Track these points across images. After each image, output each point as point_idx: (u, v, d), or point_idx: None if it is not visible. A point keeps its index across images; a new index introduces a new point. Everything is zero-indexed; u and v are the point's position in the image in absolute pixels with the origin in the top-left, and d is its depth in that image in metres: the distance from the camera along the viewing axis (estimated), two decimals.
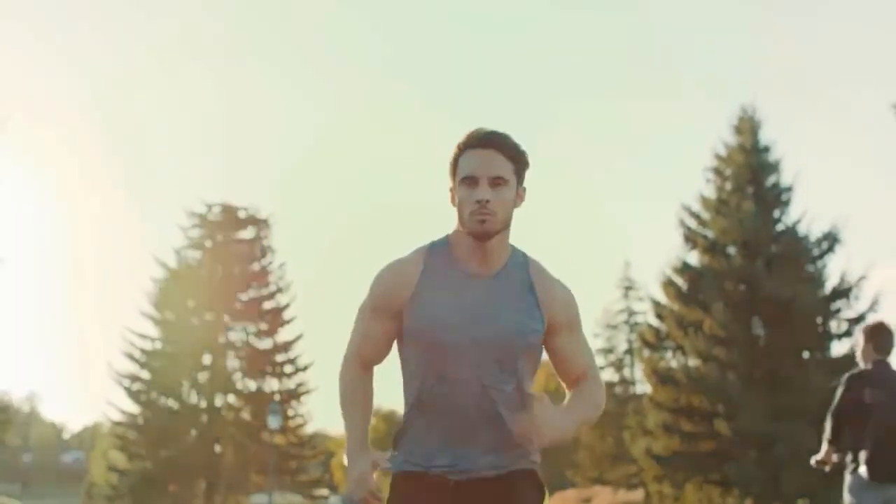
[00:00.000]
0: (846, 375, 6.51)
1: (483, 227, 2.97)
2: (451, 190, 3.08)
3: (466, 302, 3.00)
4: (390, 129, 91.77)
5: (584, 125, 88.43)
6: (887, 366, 6.39)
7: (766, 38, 76.63)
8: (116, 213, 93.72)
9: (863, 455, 6.24)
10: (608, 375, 43.75)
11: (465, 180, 3.00)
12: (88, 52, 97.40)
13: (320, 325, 73.23)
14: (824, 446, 6.49)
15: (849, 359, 28.47)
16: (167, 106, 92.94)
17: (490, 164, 2.98)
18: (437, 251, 3.09)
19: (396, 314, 3.06)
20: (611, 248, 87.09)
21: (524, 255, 3.13)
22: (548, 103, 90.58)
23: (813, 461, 6.66)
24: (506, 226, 3.03)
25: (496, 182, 2.98)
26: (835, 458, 6.48)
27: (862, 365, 6.49)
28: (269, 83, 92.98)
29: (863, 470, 6.25)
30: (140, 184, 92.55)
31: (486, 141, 3.01)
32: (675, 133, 77.76)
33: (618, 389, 42.83)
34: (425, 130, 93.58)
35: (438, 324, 2.98)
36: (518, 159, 3.03)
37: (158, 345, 36.65)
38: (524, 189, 3.08)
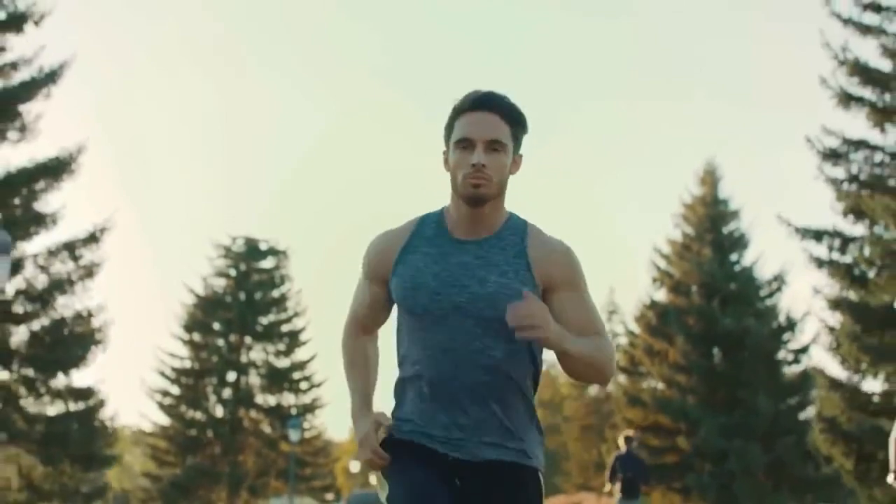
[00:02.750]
0: (614, 455, 14.55)
1: (477, 191, 2.96)
2: (445, 153, 3.06)
3: (451, 267, 3.01)
4: (393, 136, 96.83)
5: (585, 131, 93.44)
6: (631, 451, 14.56)
7: (767, 44, 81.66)
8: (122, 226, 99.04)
9: (618, 486, 14.04)
10: (593, 392, 50.21)
11: (459, 143, 2.98)
12: (88, 57, 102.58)
13: (332, 345, 79.26)
14: (608, 484, 14.23)
15: (794, 383, 34.77)
16: (166, 111, 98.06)
17: (487, 127, 2.97)
18: (429, 219, 3.13)
19: (384, 281, 3.14)
20: (612, 251, 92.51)
21: (524, 221, 3.11)
22: (551, 108, 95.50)
23: (605, 489, 14.50)
24: (500, 192, 3.02)
25: (492, 146, 2.97)
26: (614, 489, 13.80)
27: (622, 450, 14.40)
28: (268, 90, 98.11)
29: (619, 495, 14.18)
30: (140, 189, 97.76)
31: (483, 103, 3.00)
32: (677, 138, 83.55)
33: (604, 406, 49.27)
34: (429, 138, 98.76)
35: (419, 289, 3.01)
36: (516, 122, 3.03)
37: (187, 363, 42.72)
38: (521, 156, 3.07)
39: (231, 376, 42.60)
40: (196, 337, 42.89)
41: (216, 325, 42.89)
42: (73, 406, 22.67)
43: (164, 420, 42.35)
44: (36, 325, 22.09)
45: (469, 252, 3.03)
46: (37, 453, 21.81)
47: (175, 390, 42.27)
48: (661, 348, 35.38)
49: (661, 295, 36.47)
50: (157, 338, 77.36)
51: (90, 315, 22.21)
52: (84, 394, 22.87)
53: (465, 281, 2.99)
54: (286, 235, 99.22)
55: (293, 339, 43.56)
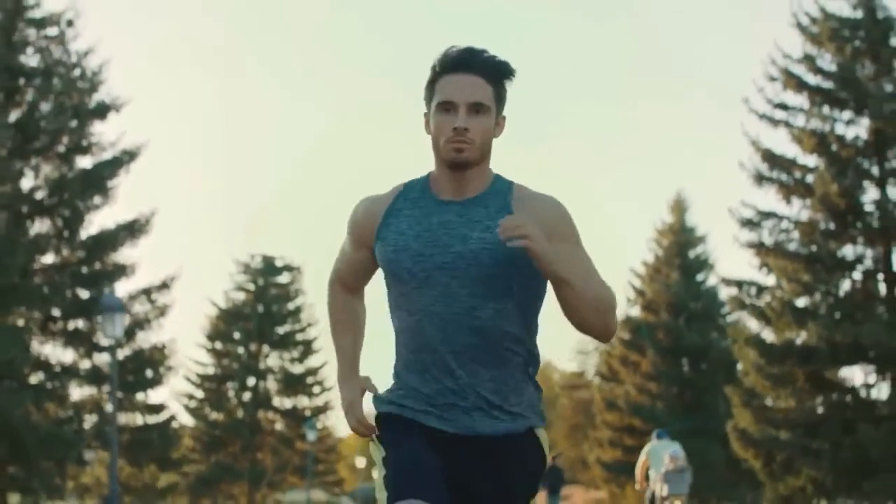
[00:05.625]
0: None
1: (460, 155, 3.01)
2: (426, 115, 3.13)
3: (433, 227, 3.08)
4: (393, 135, 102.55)
5: (586, 129, 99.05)
6: (555, 464, 22.50)
7: (763, 42, 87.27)
8: None
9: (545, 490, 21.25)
10: (583, 395, 57.45)
11: (441, 106, 3.04)
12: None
13: None
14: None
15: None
16: (166, 111, 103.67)
17: (469, 90, 3.02)
18: (413, 184, 3.19)
19: (368, 246, 3.20)
20: (611, 252, 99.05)
21: (510, 182, 3.15)
22: (551, 106, 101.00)
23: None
24: (484, 156, 3.07)
25: (475, 109, 3.02)
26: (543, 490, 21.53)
27: (549, 463, 22.03)
28: (269, 91, 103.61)
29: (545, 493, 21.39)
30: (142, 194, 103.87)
31: (465, 63, 3.04)
32: (676, 137, 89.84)
33: (591, 408, 56.50)
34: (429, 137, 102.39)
35: (402, 252, 3.07)
36: (500, 81, 3.08)
37: (211, 370, 49.65)
38: (504, 118, 3.13)
39: (250, 381, 49.25)
40: (218, 345, 49.71)
41: (237, 335, 49.66)
42: (151, 419, 30.15)
43: (190, 421, 49.25)
44: (121, 354, 29.33)
45: (452, 211, 3.08)
46: (124, 457, 29.11)
47: (199, 394, 49.01)
48: (635, 359, 42.64)
49: (636, 311, 43.69)
50: (183, 347, 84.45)
51: (163, 347, 29.57)
52: (158, 409, 30.37)
53: (446, 240, 3.05)
54: (298, 250, 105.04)
55: (307, 348, 50.39)
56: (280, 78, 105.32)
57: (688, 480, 17.09)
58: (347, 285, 3.37)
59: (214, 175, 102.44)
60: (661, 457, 17.24)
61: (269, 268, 51.02)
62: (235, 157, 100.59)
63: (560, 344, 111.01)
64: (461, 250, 3.03)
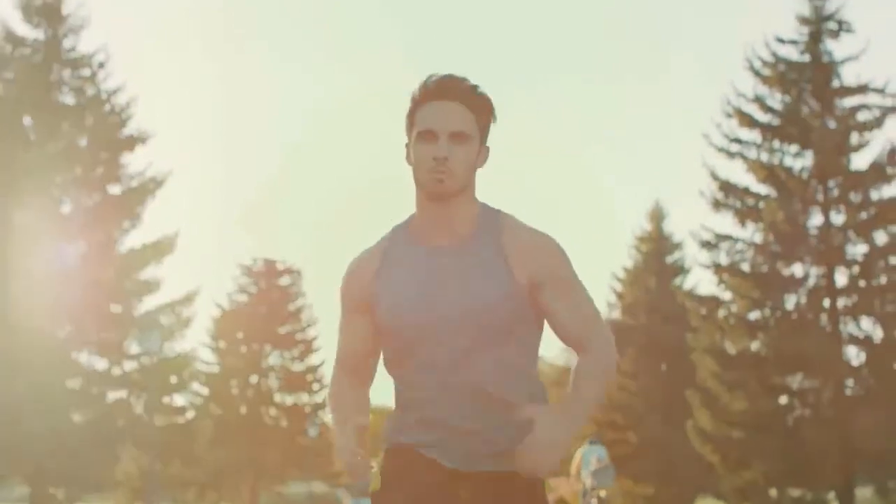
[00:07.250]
0: None
1: (441, 186, 3.05)
2: (407, 146, 3.14)
3: (432, 277, 3.11)
4: (392, 115, 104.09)
5: (580, 106, 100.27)
6: None
7: (754, 17, 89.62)
8: None
9: None
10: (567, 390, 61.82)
11: (421, 134, 3.06)
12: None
13: None
14: None
15: None
16: (168, 91, 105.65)
17: (450, 118, 3.04)
18: (399, 232, 3.22)
19: (368, 308, 3.21)
20: (600, 228, 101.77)
21: (497, 212, 3.19)
22: (545, 83, 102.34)
23: None
24: (466, 186, 3.10)
25: (456, 137, 3.05)
26: None
27: None
28: (275, 69, 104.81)
29: None
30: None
31: (445, 90, 3.07)
32: (663, 115, 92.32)
33: None
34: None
35: (404, 304, 3.11)
36: (482, 111, 3.10)
37: (215, 368, 53.76)
38: (488, 148, 3.14)
39: (253, 379, 53.28)
40: (222, 345, 53.88)
41: (240, 335, 53.95)
42: (175, 420, 34.67)
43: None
44: (149, 361, 33.74)
45: (447, 259, 3.12)
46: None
47: (204, 391, 53.36)
48: (616, 359, 47.09)
49: (617, 314, 48.20)
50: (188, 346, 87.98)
51: (186, 355, 34.05)
52: (181, 410, 34.90)
53: (446, 292, 3.09)
54: (298, 254, 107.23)
55: (306, 347, 54.36)
56: (280, 68, 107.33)
57: (611, 475, 21.94)
58: (351, 369, 3.32)
59: (213, 170, 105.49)
60: (589, 459, 22.19)
61: (271, 271, 55.16)
62: (232, 162, 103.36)
63: (554, 339, 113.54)
64: (463, 300, 3.08)
